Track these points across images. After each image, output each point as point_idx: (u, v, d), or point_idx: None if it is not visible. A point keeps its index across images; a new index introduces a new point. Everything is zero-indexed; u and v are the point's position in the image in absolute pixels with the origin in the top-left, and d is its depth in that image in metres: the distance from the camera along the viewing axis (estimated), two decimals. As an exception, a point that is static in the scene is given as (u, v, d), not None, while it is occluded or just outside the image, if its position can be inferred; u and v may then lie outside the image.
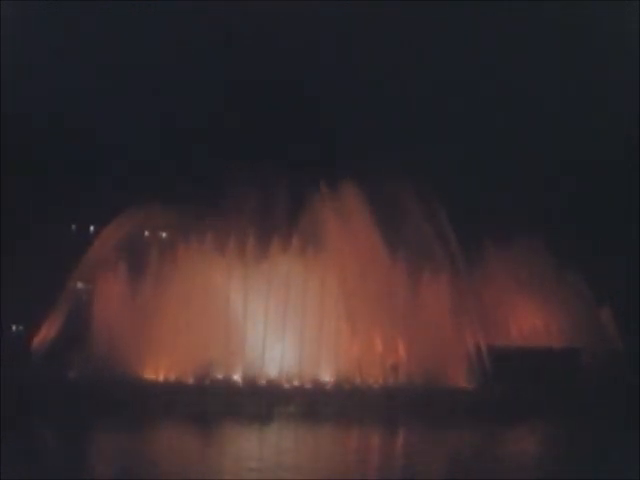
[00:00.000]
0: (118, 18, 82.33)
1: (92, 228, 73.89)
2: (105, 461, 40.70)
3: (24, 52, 74.77)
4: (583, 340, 67.31)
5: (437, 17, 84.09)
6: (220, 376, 59.87)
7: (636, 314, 69.65)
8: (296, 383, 59.66)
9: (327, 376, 60.37)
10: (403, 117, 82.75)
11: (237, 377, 60.02)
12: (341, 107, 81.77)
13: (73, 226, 77.28)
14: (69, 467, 38.26)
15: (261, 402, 56.23)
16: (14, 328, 69.28)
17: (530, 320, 70.31)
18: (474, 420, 55.13)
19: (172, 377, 59.78)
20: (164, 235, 68.99)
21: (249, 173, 62.53)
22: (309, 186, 64.56)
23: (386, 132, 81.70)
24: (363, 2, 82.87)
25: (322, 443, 48.40)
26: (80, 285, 65.73)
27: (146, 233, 68.53)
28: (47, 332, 62.13)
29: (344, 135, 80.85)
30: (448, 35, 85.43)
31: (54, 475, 36.53)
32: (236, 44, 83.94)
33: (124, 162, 77.06)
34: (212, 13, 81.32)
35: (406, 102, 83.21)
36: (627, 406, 56.82)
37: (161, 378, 59.73)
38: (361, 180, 63.72)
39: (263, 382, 59.39)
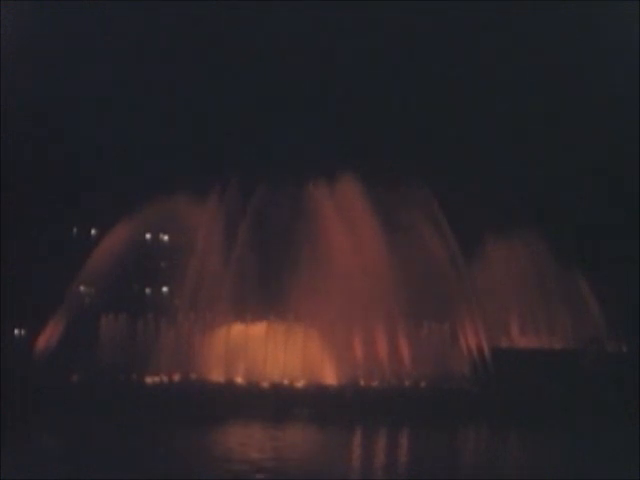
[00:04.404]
0: (117, 19, 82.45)
1: (94, 231, 74.21)
2: (106, 462, 40.73)
3: (25, 52, 74.77)
4: (585, 340, 67.47)
5: (432, 12, 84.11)
6: (222, 379, 60.12)
7: (636, 314, 69.66)
8: (299, 386, 59.90)
9: (330, 379, 60.57)
10: (403, 115, 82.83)
11: (240, 380, 60.25)
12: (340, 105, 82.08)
13: (75, 229, 77.47)
14: (69, 468, 38.28)
15: (264, 404, 56.32)
16: (16, 332, 69.44)
17: (532, 321, 70.41)
18: (478, 421, 55.20)
19: (175, 380, 60.04)
20: (166, 238, 69.49)
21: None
22: (308, 179, 64.96)
23: (386, 130, 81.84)
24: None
25: (327, 445, 48.45)
26: (83, 288, 66.02)
27: (148, 236, 68.95)
28: (50, 336, 62.29)
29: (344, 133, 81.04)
30: (444, 32, 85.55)
31: (55, 475, 36.66)
32: (232, 45, 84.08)
33: (126, 165, 77.19)
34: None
35: (406, 100, 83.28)
36: (627, 406, 56.81)
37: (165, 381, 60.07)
38: (361, 177, 63.95)
39: (266, 385, 59.61)
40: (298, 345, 61.86)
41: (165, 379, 60.23)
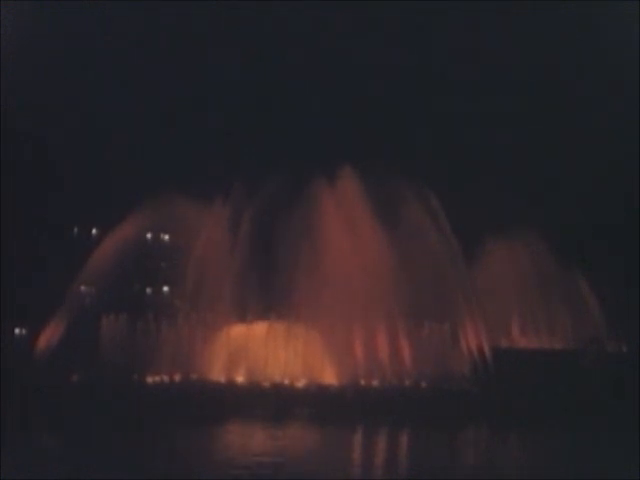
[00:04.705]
0: (117, 19, 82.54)
1: (94, 231, 74.30)
2: (106, 462, 40.74)
3: (25, 52, 74.82)
4: (585, 340, 67.49)
5: (432, 12, 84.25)
6: (223, 379, 60.18)
7: (636, 314, 69.68)
8: (300, 386, 59.95)
9: (331, 379, 60.60)
10: (403, 115, 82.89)
11: (241, 379, 60.30)
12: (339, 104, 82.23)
13: (75, 229, 77.55)
14: (69, 468, 38.23)
15: (265, 404, 56.33)
16: (17, 332, 69.47)
17: (532, 321, 70.45)
18: (478, 421, 55.18)
19: (176, 380, 60.09)
20: (167, 238, 69.55)
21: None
22: (309, 179, 65.05)
23: (386, 130, 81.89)
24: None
25: (328, 444, 48.47)
26: (84, 288, 66.08)
27: (148, 236, 69.02)
28: (50, 336, 62.31)
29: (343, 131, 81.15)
30: (444, 32, 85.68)
31: (55, 475, 36.68)
32: (232, 45, 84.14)
33: (126, 164, 77.18)
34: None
35: (406, 100, 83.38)
36: (627, 406, 56.78)
37: (166, 381, 60.13)
38: (360, 175, 64.04)
39: (267, 384, 59.65)
40: (299, 345, 61.96)
41: (166, 379, 60.28)
